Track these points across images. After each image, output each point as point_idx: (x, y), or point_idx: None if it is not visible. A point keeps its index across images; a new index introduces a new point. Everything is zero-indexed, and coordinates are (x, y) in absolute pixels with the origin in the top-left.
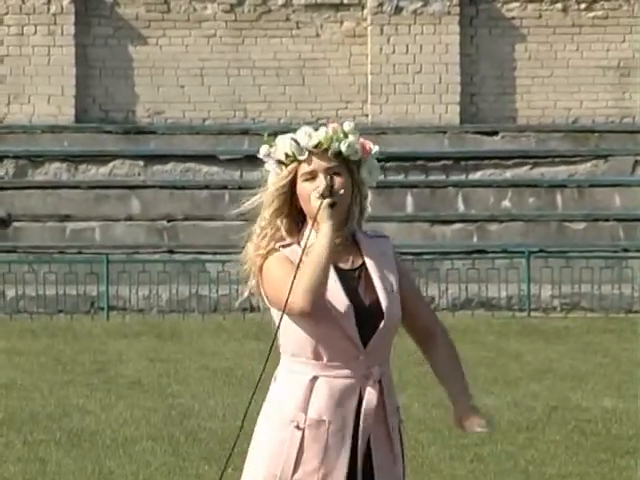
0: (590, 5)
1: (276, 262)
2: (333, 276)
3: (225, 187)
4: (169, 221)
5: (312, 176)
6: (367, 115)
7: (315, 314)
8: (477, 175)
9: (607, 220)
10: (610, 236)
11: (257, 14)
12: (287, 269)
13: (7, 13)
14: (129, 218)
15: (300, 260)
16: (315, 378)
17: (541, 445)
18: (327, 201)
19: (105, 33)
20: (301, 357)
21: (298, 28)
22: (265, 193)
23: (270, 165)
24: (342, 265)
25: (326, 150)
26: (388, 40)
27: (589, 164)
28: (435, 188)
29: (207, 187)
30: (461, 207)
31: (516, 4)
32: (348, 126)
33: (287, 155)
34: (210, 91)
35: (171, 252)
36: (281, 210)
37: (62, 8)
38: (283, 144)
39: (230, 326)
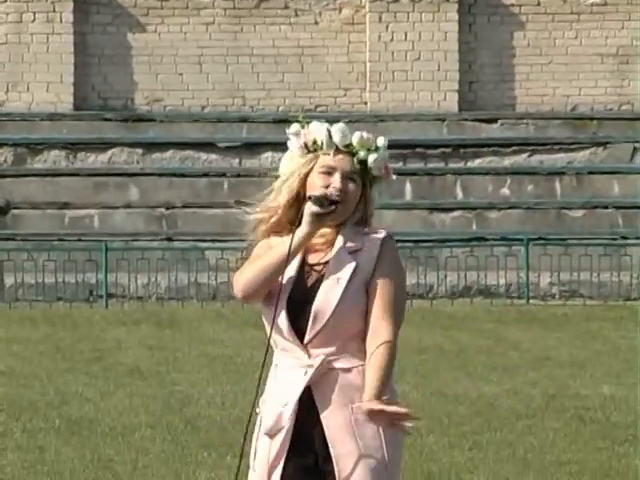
0: None
1: (257, 248)
2: (292, 272)
3: (224, 175)
4: (168, 209)
5: (329, 172)
6: (366, 103)
7: (265, 306)
8: (476, 163)
9: (606, 208)
10: (609, 224)
11: (256, 1)
12: (259, 254)
13: (6, 1)
14: (128, 206)
15: (288, 255)
16: (276, 366)
17: (540, 433)
18: (315, 209)
19: (104, 21)
20: (274, 346)
21: (297, 16)
22: (286, 177)
23: (292, 144)
24: (310, 259)
25: (353, 154)
26: (387, 28)
27: (588, 151)
28: (434, 176)
29: (206, 175)
30: (460, 195)
31: None
32: (382, 141)
33: (315, 142)
34: (209, 79)
35: (170, 240)
36: (296, 196)
37: None
38: (317, 131)
39: (229, 314)
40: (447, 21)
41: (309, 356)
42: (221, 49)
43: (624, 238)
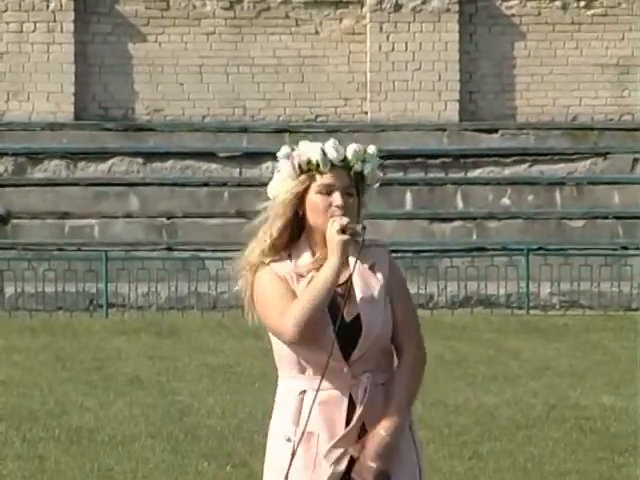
0: (589, 3)
1: (267, 282)
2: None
3: (224, 184)
4: (168, 218)
5: (328, 191)
6: (366, 113)
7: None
8: (476, 173)
9: (606, 218)
10: (609, 234)
11: (256, 11)
12: (278, 290)
13: (6, 10)
14: (128, 215)
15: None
16: (304, 392)
17: (540, 443)
18: (346, 238)
19: (104, 30)
20: (290, 372)
21: (297, 25)
22: (277, 202)
23: (284, 166)
24: None
25: (349, 168)
26: (387, 38)
27: (588, 162)
28: (434, 186)
29: (206, 184)
30: (460, 205)
31: (515, 1)
32: (372, 149)
33: (309, 162)
34: (209, 88)
35: (170, 249)
36: (291, 220)
37: (61, 5)
38: (310, 151)
39: (229, 323)
40: (448, 31)
41: (352, 375)
42: (222, 59)
43: (624, 248)
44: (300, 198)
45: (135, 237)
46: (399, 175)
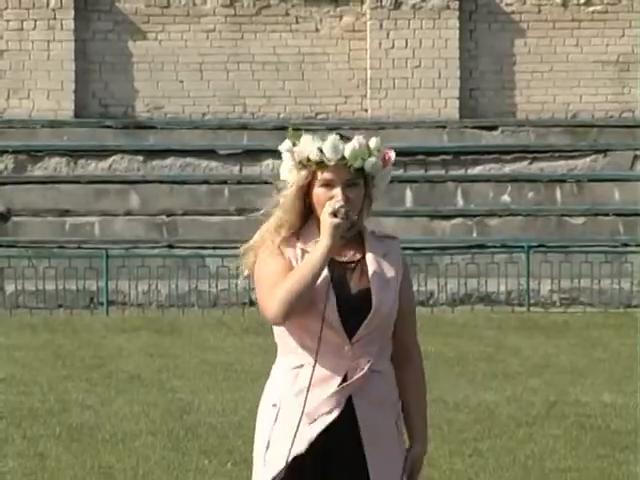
0: (589, 0)
1: (267, 260)
2: (326, 269)
3: (224, 182)
4: (168, 216)
5: (329, 184)
6: (366, 110)
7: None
8: (476, 170)
9: (606, 215)
10: (609, 231)
11: (256, 9)
12: (274, 268)
13: (6, 7)
14: (128, 213)
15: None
16: (301, 365)
17: (540, 440)
18: (337, 221)
19: (104, 28)
20: (290, 347)
21: (297, 23)
22: (286, 195)
23: (287, 160)
24: (339, 258)
25: (349, 166)
26: (387, 35)
27: (588, 159)
28: (434, 183)
29: (206, 182)
30: (460, 202)
31: None
32: (374, 143)
33: (309, 159)
34: (209, 86)
35: (170, 247)
36: (299, 209)
37: (61, 3)
38: (308, 148)
39: (230, 321)
40: (448, 28)
41: (353, 355)
42: (222, 56)
43: (625, 245)
44: (306, 189)
45: (135, 235)
46: (399, 172)
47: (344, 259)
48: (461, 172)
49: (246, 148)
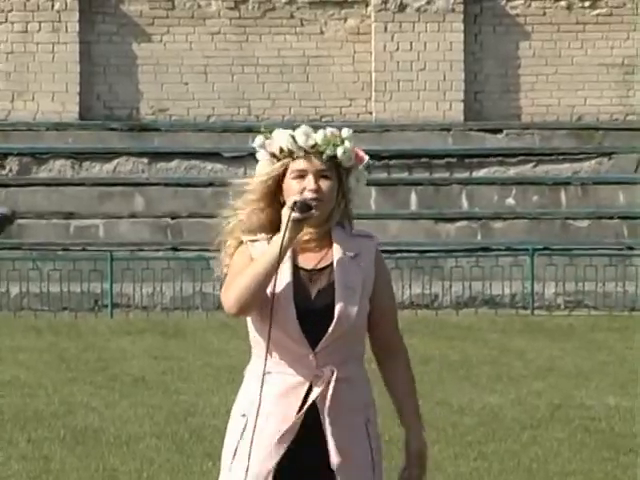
0: (594, 3)
1: (235, 259)
2: (287, 276)
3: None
4: (173, 218)
5: (301, 175)
6: (371, 112)
7: (261, 314)
8: (481, 173)
9: (611, 218)
10: (614, 234)
11: (261, 11)
12: (239, 266)
13: (11, 10)
14: (133, 215)
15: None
16: (268, 374)
17: (545, 443)
18: (295, 216)
19: (109, 30)
20: (258, 355)
21: (302, 25)
22: (252, 180)
23: (262, 156)
24: (305, 264)
25: (321, 153)
26: (392, 37)
27: (593, 162)
28: (439, 186)
29: (211, 184)
30: (465, 205)
31: (520, 1)
32: (346, 132)
33: (281, 150)
34: (214, 88)
35: (175, 249)
36: (260, 201)
37: (66, 5)
38: (280, 138)
39: (234, 324)
40: (452, 31)
41: (317, 364)
42: (227, 59)
43: (629, 248)
44: (278, 183)
45: (140, 237)
46: (404, 175)
47: (309, 266)
48: (466, 175)
49: (251, 151)
